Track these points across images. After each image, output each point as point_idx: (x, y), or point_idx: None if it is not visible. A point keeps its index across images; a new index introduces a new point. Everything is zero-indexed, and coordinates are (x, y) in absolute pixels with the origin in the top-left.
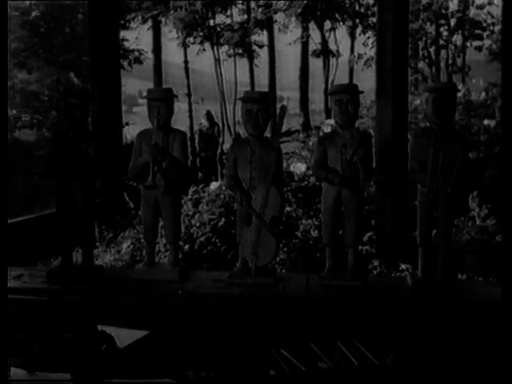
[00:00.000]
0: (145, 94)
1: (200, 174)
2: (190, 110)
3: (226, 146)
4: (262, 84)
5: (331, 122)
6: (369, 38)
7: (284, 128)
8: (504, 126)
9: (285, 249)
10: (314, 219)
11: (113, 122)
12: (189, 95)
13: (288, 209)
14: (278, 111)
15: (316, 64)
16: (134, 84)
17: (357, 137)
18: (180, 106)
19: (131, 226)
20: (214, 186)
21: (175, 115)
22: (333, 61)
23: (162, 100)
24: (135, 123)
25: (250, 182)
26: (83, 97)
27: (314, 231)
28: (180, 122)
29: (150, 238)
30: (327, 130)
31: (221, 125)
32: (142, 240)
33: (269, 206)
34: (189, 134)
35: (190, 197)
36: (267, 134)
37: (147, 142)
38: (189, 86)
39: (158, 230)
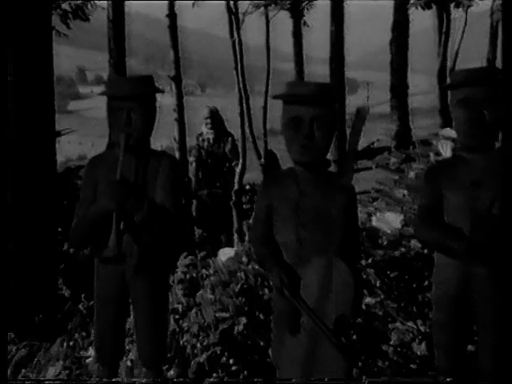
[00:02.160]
0: (90, 74)
1: (198, 233)
2: (180, 109)
3: (249, 178)
4: (317, 58)
5: (451, 133)
6: None
7: (361, 144)
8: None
9: (363, 377)
10: (420, 322)
11: (37, 133)
12: (176, 80)
13: (369, 300)
14: (349, 116)
15: (420, 21)
16: (72, 57)
17: (500, 166)
18: (161, 101)
19: (65, 334)
20: (225, 255)
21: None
22: (456, 13)
23: (134, 99)
24: (74, 132)
25: (296, 251)
26: None
27: (418, 344)
28: (160, 131)
29: (110, 356)
30: (445, 150)
31: (238, 136)
32: (90, 359)
33: (332, 296)
34: (177, 155)
35: (180, 276)
36: (329, 156)
37: (107, 177)
38: (177, 62)
39: (125, 341)
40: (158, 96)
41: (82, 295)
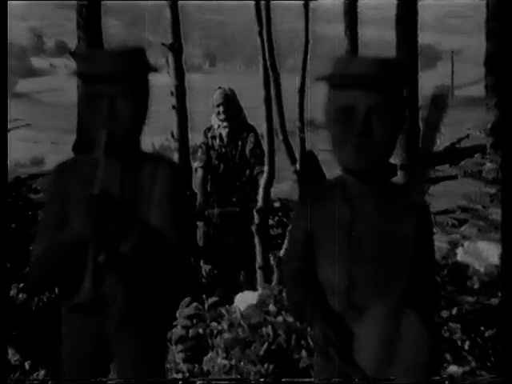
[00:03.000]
0: (49, 41)
1: (206, 270)
2: (180, 91)
3: (279, 192)
4: (377, 19)
5: None
6: None
7: (440, 143)
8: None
9: None
10: None
11: None
12: (175, 50)
13: (454, 369)
14: (423, 102)
15: None
16: (23, 16)
17: None
18: (152, 81)
19: None
20: (244, 301)
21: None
22: None
23: (119, 81)
24: (28, 126)
25: (347, 294)
26: None
27: None
28: (152, 124)
29: None
30: None
31: (263, 132)
32: None
33: (399, 359)
34: (176, 158)
35: (180, 333)
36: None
37: (81, 191)
38: (176, 25)
39: None
40: (150, 75)
41: (27, 362)
